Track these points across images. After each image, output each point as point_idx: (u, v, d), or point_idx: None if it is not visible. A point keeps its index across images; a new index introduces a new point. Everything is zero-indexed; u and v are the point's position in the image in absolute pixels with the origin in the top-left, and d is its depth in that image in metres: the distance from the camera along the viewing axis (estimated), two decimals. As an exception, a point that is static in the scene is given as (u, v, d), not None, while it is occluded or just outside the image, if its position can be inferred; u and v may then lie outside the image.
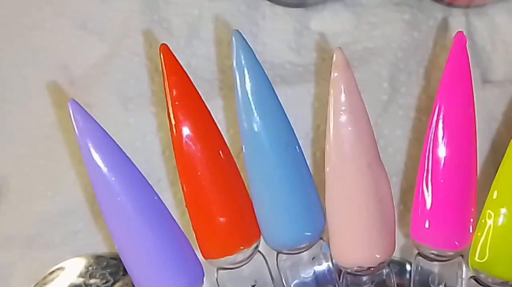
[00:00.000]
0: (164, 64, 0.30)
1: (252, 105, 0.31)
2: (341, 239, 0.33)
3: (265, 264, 0.34)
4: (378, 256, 0.33)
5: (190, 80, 0.31)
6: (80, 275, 0.36)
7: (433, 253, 0.34)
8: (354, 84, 0.31)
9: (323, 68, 0.39)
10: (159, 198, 0.31)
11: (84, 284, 0.36)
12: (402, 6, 0.39)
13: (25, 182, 0.38)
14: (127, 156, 0.30)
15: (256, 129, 0.31)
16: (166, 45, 0.30)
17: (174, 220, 0.32)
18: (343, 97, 0.30)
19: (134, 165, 0.30)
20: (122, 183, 0.30)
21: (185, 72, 0.31)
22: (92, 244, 0.38)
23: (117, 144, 0.30)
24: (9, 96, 0.39)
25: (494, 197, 0.32)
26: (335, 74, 0.30)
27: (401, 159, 0.38)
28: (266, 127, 0.31)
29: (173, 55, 0.30)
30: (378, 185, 0.32)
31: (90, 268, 0.37)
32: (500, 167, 0.32)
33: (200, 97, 0.31)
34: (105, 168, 0.29)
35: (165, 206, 0.31)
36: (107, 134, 0.30)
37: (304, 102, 0.38)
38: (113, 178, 0.30)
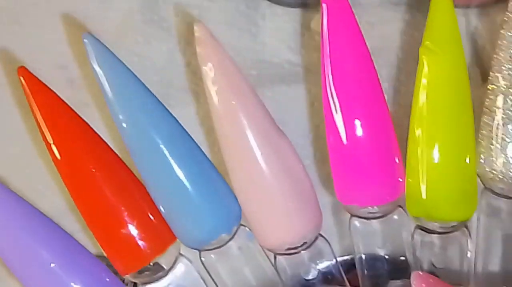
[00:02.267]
0: (27, 87, 0.30)
1: (128, 104, 0.30)
2: (259, 221, 0.32)
3: (192, 267, 0.34)
4: (303, 230, 0.32)
5: (57, 95, 0.31)
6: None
7: (367, 212, 0.33)
8: (225, 56, 0.30)
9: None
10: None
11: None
12: (402, 6, 0.39)
13: (25, 182, 0.38)
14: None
15: (135, 126, 0.30)
16: (24, 67, 0.30)
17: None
18: (216, 73, 0.29)
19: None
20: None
21: (50, 89, 0.31)
22: (92, 245, 0.37)
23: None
24: (9, 96, 0.39)
25: (418, 134, 0.31)
26: (202, 51, 0.30)
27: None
28: (146, 123, 0.30)
29: (33, 75, 0.30)
30: (282, 156, 0.31)
31: (90, 268, 0.37)
32: (413, 101, 0.31)
33: (72, 109, 0.31)
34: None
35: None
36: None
37: (303, 102, 0.38)
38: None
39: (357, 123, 0.31)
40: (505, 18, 0.31)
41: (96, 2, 0.39)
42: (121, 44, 0.39)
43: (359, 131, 0.31)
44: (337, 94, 0.31)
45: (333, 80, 0.31)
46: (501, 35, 0.31)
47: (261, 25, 0.40)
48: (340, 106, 0.31)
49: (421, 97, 0.31)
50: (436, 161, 0.31)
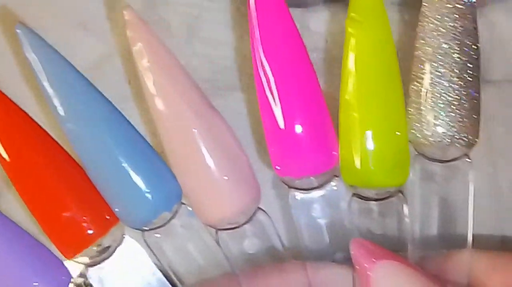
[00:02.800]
0: None
1: (63, 89, 0.31)
2: (196, 197, 0.32)
3: (138, 248, 0.34)
4: (240, 203, 0.32)
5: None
6: (81, 275, 0.36)
7: (304, 183, 0.33)
8: (154, 37, 0.31)
9: (322, 68, 0.39)
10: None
11: (84, 283, 0.35)
12: (402, 6, 0.39)
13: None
14: None
15: (71, 111, 0.31)
16: None
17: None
18: (146, 53, 0.30)
19: None
20: None
21: None
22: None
23: None
24: (9, 97, 0.39)
25: (347, 104, 0.31)
26: (132, 33, 0.31)
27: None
28: (81, 107, 0.31)
29: None
30: (215, 131, 0.31)
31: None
32: (342, 73, 0.31)
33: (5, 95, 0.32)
34: None
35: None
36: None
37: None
38: None
39: (293, 105, 0.31)
40: None
41: (97, 2, 0.40)
42: (121, 44, 0.39)
43: (295, 113, 0.31)
44: (273, 76, 0.31)
45: (268, 63, 0.31)
46: (424, 1, 0.32)
47: (261, 25, 0.40)
48: (277, 91, 0.31)
49: (349, 68, 0.31)
50: (367, 130, 0.31)
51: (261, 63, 0.31)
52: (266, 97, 0.31)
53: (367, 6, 0.31)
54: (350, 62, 0.31)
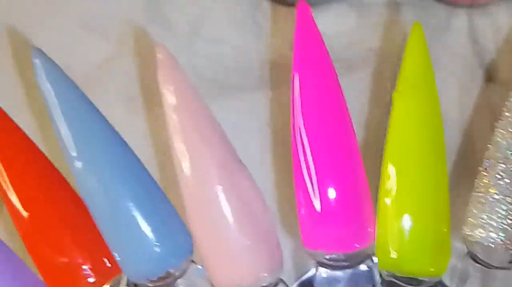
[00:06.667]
0: None
1: (74, 130, 0.28)
2: (213, 258, 0.30)
3: None
4: (257, 270, 0.30)
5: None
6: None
7: (333, 259, 0.31)
8: (185, 82, 0.29)
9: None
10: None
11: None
12: (405, 6, 0.39)
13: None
14: None
15: (83, 153, 0.28)
16: None
17: None
18: (174, 98, 0.28)
19: None
20: None
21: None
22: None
23: None
24: (10, 97, 0.39)
25: (387, 179, 0.30)
26: (161, 74, 0.28)
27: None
28: (94, 150, 0.28)
29: None
30: (240, 189, 0.29)
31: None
32: (384, 153, 0.30)
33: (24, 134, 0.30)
34: None
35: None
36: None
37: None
38: None
39: (330, 180, 0.29)
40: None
41: (99, 2, 0.39)
42: (124, 43, 0.39)
43: (332, 193, 0.29)
44: (311, 149, 0.30)
45: (306, 135, 0.29)
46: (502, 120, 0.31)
47: (264, 25, 0.40)
48: (314, 164, 0.29)
49: (392, 147, 0.30)
50: (405, 213, 0.30)
51: (300, 134, 0.29)
52: (301, 167, 0.29)
53: (417, 80, 0.30)
54: (394, 140, 0.30)
